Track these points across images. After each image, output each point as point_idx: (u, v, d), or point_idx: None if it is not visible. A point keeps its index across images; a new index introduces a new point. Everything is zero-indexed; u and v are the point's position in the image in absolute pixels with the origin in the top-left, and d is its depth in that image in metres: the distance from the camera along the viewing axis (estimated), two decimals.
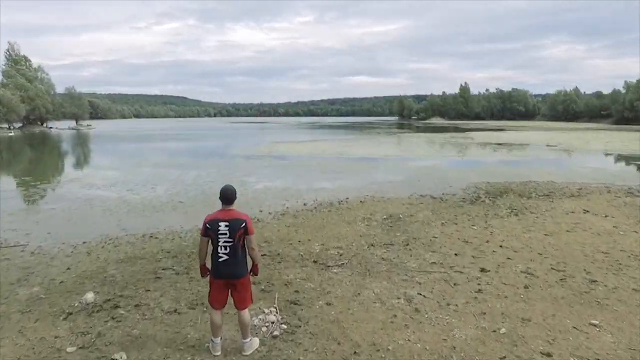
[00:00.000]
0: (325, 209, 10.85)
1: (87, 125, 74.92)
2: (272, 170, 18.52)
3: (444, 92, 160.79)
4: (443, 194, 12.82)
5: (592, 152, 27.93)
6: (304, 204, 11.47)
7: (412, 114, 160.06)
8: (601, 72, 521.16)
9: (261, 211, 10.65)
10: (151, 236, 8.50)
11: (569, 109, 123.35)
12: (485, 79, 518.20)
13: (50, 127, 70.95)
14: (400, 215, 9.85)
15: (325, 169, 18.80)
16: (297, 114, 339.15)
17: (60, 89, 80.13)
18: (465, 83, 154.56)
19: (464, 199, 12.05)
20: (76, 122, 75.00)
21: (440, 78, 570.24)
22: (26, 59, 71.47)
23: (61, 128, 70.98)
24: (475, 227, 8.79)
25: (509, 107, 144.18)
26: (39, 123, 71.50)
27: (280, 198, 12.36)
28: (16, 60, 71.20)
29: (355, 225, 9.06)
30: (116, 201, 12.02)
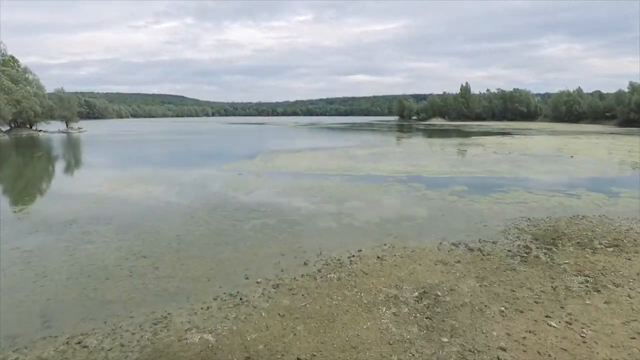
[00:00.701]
0: (333, 273, 8.09)
1: (78, 128, 71.57)
2: (266, 199, 15.74)
3: (444, 92, 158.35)
4: (480, 240, 10.07)
5: (622, 165, 25.24)
6: (305, 263, 8.71)
7: (412, 114, 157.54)
8: (599, 70, 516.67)
9: (247, 278, 7.91)
10: (79, 342, 5.72)
11: (572, 109, 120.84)
12: (483, 78, 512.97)
13: (40, 131, 67.98)
14: (438, 292, 7.11)
15: (328, 195, 16.04)
16: (295, 114, 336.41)
17: (57, 88, 77.27)
18: (467, 83, 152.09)
19: (509, 251, 9.32)
20: (66, 125, 71.79)
21: (438, 77, 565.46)
22: (14, 60, 68.38)
23: (51, 131, 68.00)
24: (552, 323, 6.04)
25: (511, 108, 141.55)
26: (27, 126, 68.49)
27: (273, 251, 9.59)
28: (4, 61, 68.19)
29: (378, 316, 6.31)
30: (60, 255, 9.23)
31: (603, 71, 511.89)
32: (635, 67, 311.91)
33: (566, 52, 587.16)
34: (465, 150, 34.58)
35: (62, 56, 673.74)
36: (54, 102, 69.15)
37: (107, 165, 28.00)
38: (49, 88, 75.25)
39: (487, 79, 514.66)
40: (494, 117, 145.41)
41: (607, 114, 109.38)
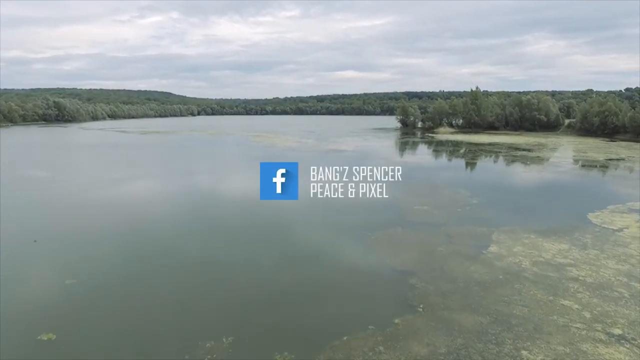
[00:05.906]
0: None
1: None
2: None
3: (448, 93, 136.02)
4: None
5: None
6: None
7: (417, 121, 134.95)
8: (583, 67, 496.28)
9: None
10: None
11: (606, 122, 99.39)
12: (471, 74, 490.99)
13: None
14: None
15: None
16: (285, 112, 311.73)
17: (43, 83, 52.35)
18: (477, 87, 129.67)
19: None
20: None
21: (427, 73, 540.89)
22: None
23: None
24: None
25: (529, 117, 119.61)
26: None
27: None
28: None
29: None
30: None
31: (587, 68, 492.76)
32: (618, 64, 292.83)
33: (550, 48, 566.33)
34: None
35: (46, 50, 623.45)
36: None
37: None
38: (32, 84, 50.11)
39: (475, 75, 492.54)
40: (508, 125, 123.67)
41: None
